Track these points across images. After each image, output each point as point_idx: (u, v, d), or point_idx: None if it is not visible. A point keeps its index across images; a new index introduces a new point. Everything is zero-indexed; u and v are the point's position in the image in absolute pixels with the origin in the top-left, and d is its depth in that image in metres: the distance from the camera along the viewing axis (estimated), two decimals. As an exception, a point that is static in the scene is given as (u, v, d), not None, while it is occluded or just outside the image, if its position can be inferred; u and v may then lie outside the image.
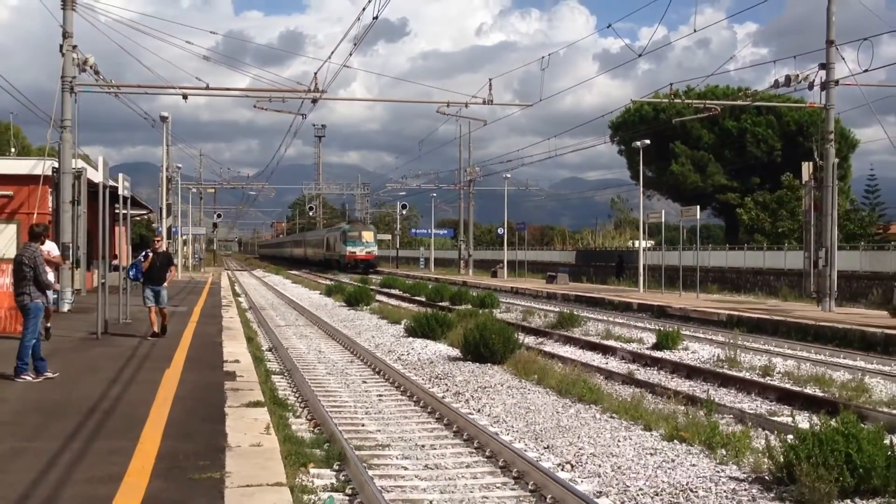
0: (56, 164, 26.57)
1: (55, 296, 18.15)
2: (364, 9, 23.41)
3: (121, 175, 21.91)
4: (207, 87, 30.99)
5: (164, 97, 34.60)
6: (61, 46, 26.30)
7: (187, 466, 7.89)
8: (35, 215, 27.74)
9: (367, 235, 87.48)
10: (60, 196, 25.86)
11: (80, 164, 27.74)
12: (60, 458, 8.23)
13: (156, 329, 18.70)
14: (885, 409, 13.81)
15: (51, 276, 16.99)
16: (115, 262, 30.82)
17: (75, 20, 26.14)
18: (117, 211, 24.36)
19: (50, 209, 27.38)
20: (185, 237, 74.86)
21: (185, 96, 31.03)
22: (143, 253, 19.54)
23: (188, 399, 11.45)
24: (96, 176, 29.11)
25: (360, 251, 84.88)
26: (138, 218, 61.48)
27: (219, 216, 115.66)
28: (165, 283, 18.91)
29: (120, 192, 21.70)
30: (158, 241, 19.83)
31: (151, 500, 6.85)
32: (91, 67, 27.38)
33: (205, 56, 30.68)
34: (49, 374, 12.93)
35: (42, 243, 14.20)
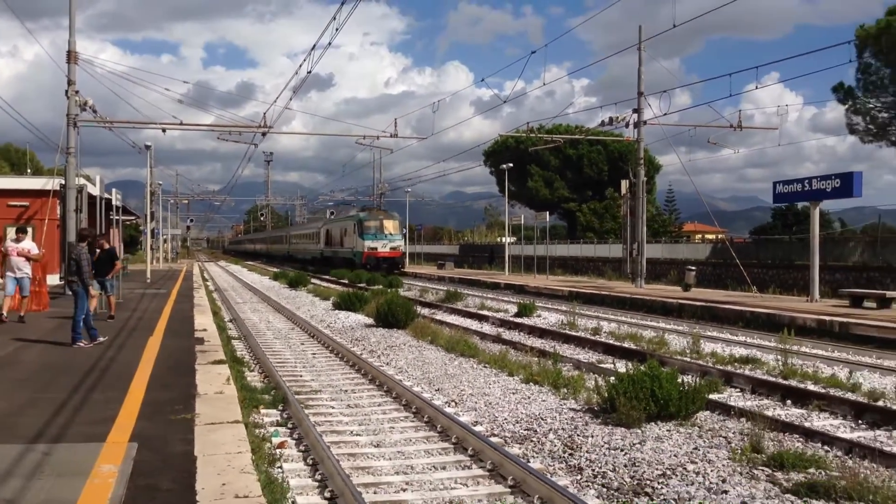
0: (63, 181, 25.68)
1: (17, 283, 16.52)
2: (301, 65, 23.50)
3: (114, 190, 21.35)
4: (181, 123, 30.12)
5: (147, 130, 33.54)
6: (67, 91, 25.41)
7: (166, 410, 7.70)
8: (46, 221, 26.85)
9: (391, 226, 49.43)
10: (66, 206, 24.99)
11: (82, 181, 26.85)
12: (66, 405, 7.94)
13: (110, 311, 17.26)
14: (679, 357, 14.22)
15: (27, 269, 16.24)
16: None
17: (78, 72, 25.19)
18: (112, 217, 23.55)
19: (58, 216, 26.56)
20: (165, 237, 72.66)
21: (164, 130, 30.05)
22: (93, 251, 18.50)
23: (167, 359, 11.15)
24: (95, 190, 28.17)
25: (382, 246, 47.94)
26: (128, 222, 59.65)
27: (191, 221, 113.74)
28: (109, 276, 17.41)
29: (113, 202, 21.11)
30: (101, 241, 18.48)
31: (138, 436, 6.66)
32: (90, 107, 26.49)
33: (179, 100, 29.98)
34: (101, 340, 12.63)
35: (87, 244, 13.23)
